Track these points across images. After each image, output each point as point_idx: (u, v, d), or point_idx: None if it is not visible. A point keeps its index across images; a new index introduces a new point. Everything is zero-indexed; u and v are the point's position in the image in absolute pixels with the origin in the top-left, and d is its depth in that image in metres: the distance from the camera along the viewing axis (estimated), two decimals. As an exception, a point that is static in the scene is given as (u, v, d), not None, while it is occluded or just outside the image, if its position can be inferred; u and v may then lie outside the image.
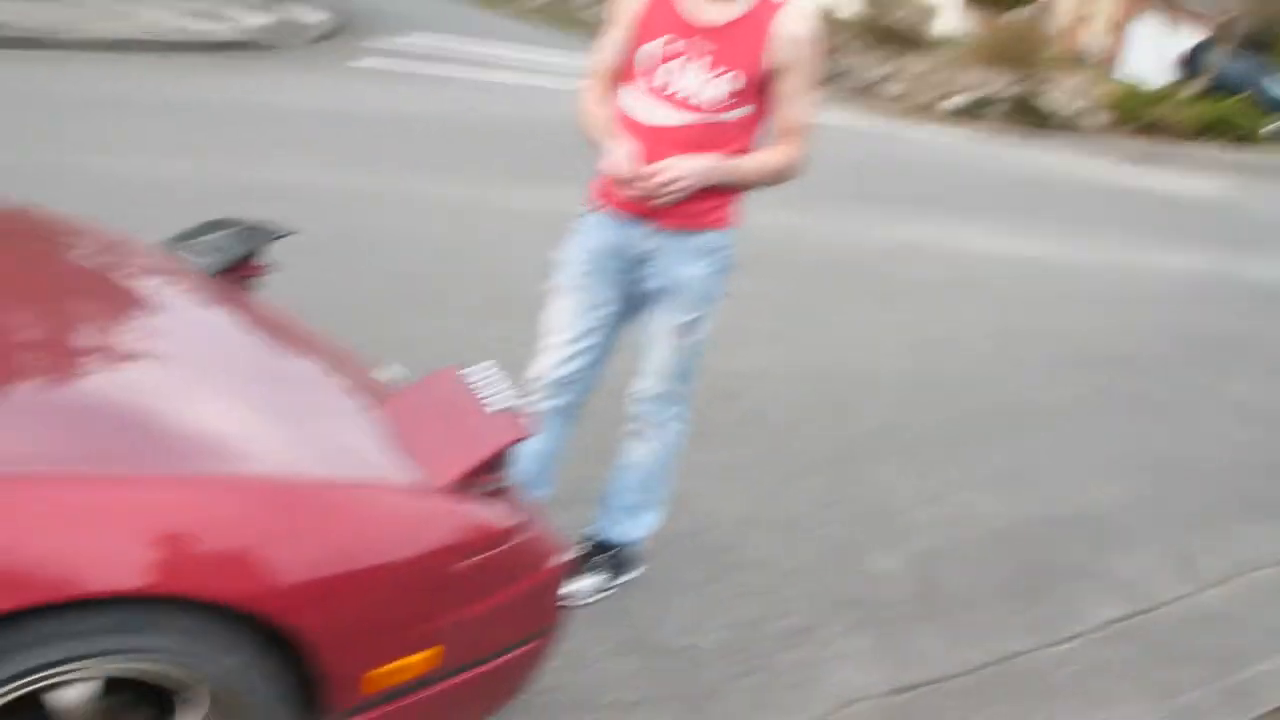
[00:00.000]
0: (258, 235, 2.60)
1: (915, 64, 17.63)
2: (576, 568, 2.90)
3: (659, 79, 2.66)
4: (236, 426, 1.88)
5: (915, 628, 3.19)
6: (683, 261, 2.78)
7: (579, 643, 2.68)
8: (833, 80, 15.36)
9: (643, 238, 2.77)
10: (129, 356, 2.08)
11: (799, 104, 2.71)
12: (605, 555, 3.07)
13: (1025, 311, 6.84)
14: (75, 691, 1.55)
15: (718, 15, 2.61)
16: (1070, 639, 3.27)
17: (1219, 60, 22.06)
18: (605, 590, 3.03)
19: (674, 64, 2.64)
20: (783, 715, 2.72)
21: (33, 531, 1.50)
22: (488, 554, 1.91)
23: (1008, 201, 10.41)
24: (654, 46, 2.66)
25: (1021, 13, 20.31)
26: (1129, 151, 15.81)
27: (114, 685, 1.59)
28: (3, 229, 2.56)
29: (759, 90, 2.66)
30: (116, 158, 6.25)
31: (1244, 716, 3.07)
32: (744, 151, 2.72)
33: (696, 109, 2.64)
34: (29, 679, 1.50)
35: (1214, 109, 19.59)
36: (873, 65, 17.56)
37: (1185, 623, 3.50)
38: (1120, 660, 3.22)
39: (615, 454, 3.07)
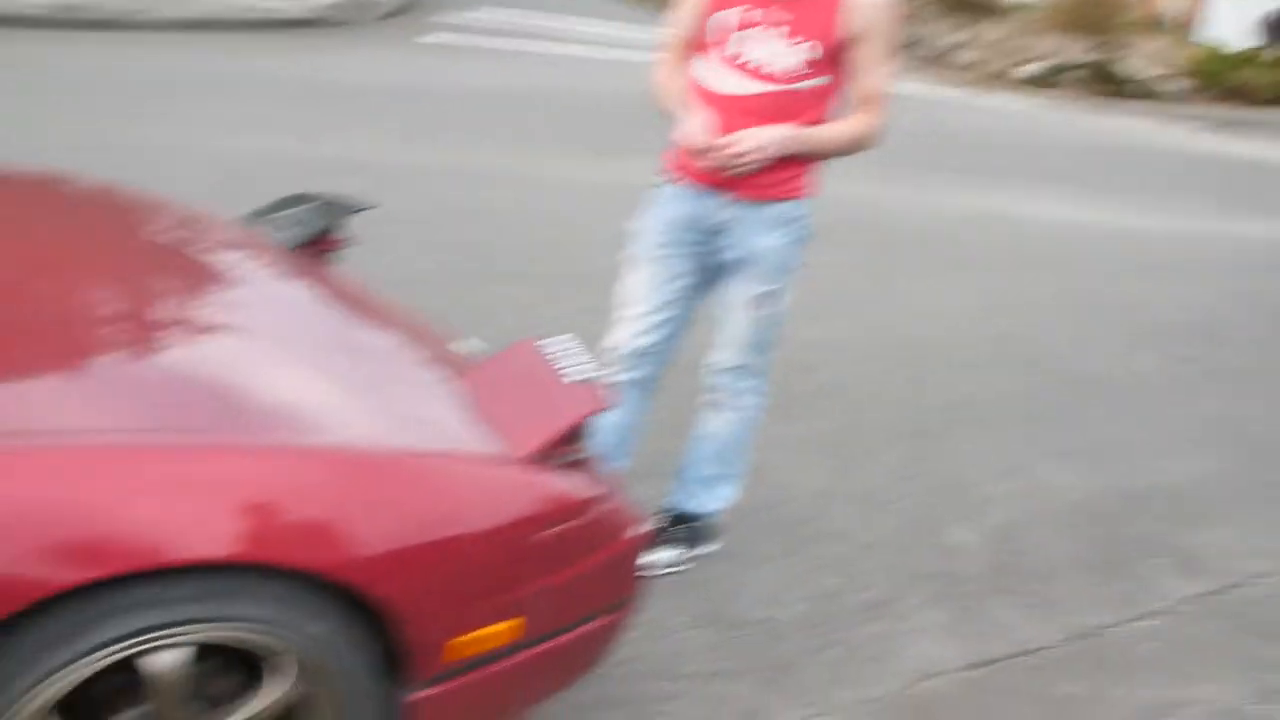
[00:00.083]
0: (336, 209, 2.63)
1: (989, 31, 17.30)
2: (655, 540, 2.91)
3: (731, 48, 2.64)
4: (318, 398, 1.90)
5: (993, 601, 3.15)
6: (759, 232, 2.76)
7: (657, 614, 2.70)
8: (905, 49, 15.13)
9: (719, 208, 2.75)
10: (212, 330, 2.11)
11: (876, 73, 2.67)
12: (683, 527, 3.07)
13: (1103, 281, 6.70)
14: (168, 657, 1.58)
15: (794, -15, 2.58)
16: (1151, 614, 3.21)
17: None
18: (683, 562, 3.03)
19: (748, 33, 2.62)
20: (860, 688, 2.71)
21: (124, 501, 1.53)
22: (567, 525, 1.91)
23: (1084, 170, 10.19)
24: (728, 16, 2.64)
25: (1097, -23, 19.85)
26: (1209, 118, 15.38)
27: (205, 652, 1.62)
28: (87, 207, 2.62)
29: (835, 59, 2.63)
30: (192, 136, 6.35)
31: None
32: (819, 121, 2.69)
33: (770, 78, 2.62)
34: (123, 644, 1.54)
35: (1299, 73, 19.02)
36: (945, 33, 17.26)
37: (1272, 599, 3.42)
38: (1204, 636, 3.15)
39: (692, 428, 3.07)
